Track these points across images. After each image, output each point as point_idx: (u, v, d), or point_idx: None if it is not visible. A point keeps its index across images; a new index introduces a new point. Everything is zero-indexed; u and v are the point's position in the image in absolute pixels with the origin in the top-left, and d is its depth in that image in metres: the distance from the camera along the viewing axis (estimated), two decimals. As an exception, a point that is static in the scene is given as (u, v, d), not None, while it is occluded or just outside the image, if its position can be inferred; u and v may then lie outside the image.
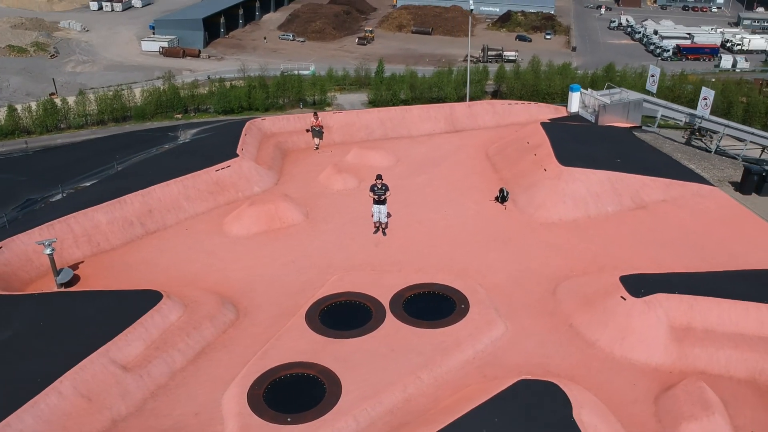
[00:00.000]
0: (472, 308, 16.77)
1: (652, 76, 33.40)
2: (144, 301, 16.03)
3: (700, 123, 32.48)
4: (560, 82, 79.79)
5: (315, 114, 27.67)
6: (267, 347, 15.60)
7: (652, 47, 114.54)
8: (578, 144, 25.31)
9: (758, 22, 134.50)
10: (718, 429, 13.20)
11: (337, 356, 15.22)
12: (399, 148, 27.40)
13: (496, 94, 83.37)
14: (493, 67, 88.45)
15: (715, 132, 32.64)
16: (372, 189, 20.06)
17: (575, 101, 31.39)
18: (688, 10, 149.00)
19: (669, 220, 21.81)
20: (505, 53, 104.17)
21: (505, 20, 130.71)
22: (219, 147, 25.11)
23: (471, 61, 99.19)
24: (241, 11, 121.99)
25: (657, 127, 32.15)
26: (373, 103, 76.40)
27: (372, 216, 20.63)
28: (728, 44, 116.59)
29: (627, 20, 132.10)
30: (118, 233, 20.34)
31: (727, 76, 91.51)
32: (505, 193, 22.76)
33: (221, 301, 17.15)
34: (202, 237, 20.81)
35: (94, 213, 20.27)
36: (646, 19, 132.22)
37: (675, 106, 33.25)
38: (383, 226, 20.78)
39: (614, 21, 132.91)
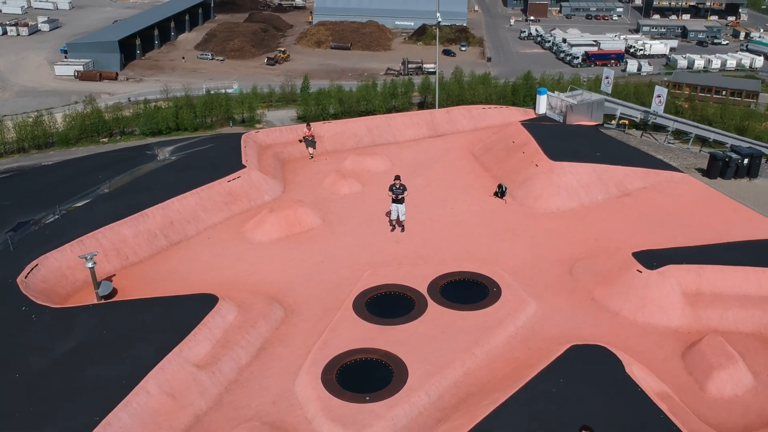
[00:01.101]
0: (504, 291, 18.22)
1: (606, 78, 36.11)
2: (201, 304, 16.69)
3: (654, 119, 35.46)
4: (483, 90, 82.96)
5: (308, 125, 28.69)
6: (325, 338, 16.54)
7: (562, 55, 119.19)
8: (560, 141, 27.36)
9: (656, 28, 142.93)
10: (742, 375, 15.12)
11: (394, 341, 16.33)
12: (389, 153, 28.70)
13: (422, 105, 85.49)
14: (416, 79, 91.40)
15: (666, 127, 35.82)
16: (391, 189, 21.30)
17: (543, 103, 33.57)
18: (591, 18, 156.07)
19: (653, 204, 23.99)
20: (425, 66, 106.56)
21: (420, 34, 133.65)
22: (221, 159, 25.75)
23: (392, 74, 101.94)
24: (156, 32, 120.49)
25: (618, 125, 34.79)
26: (303, 118, 77.36)
27: (390, 214, 21.83)
28: (632, 49, 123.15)
29: (536, 30, 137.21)
30: (144, 246, 20.75)
31: (638, 79, 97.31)
32: (503, 188, 24.43)
33: (269, 301, 17.96)
34: (226, 245, 21.46)
35: (119, 227, 20.63)
36: (554, 29, 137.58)
37: (632, 105, 36.06)
38: (401, 224, 22.00)
39: (524, 31, 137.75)
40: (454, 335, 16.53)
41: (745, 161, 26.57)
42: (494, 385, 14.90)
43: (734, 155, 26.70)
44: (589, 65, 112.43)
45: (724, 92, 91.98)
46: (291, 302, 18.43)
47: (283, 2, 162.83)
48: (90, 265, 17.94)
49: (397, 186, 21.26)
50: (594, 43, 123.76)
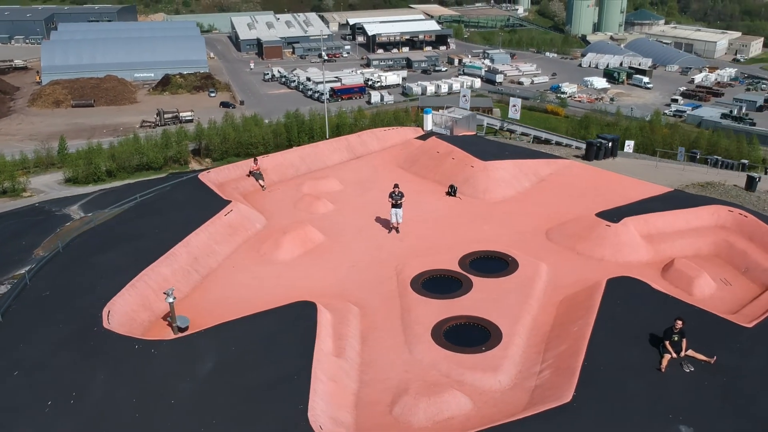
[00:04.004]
0: (520, 260, 22.58)
1: (514, 106, 42.52)
2: (304, 310, 18.67)
3: (508, 125, 42.79)
4: (258, 131, 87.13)
5: (255, 159, 30.52)
6: (409, 315, 19.46)
7: (310, 92, 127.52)
8: (474, 146, 32.65)
9: (384, 62, 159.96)
10: (709, 281, 21.12)
11: (466, 308, 19.80)
12: (330, 176, 31.60)
13: (198, 152, 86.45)
14: (173, 128, 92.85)
15: (513, 131, 43.47)
16: (391, 195, 24.62)
17: (429, 121, 38.83)
18: (323, 57, 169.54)
19: (565, 184, 30.13)
20: (181, 114, 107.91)
21: (165, 84, 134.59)
22: (197, 198, 26.76)
23: (148, 126, 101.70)
24: None
25: (485, 133, 41.42)
26: (75, 180, 75.24)
27: (390, 218, 25.10)
28: (370, 82, 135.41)
29: (278, 71, 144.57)
30: (183, 281, 21.55)
31: (385, 109, 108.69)
32: (454, 188, 28.89)
33: (342, 301, 20.29)
34: (255, 268, 22.99)
35: (158, 267, 21.23)
36: (295, 69, 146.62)
37: (493, 117, 43.01)
38: (398, 226, 25.30)
39: (267, 73, 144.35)
40: (504, 299, 20.39)
41: (610, 144, 34.15)
42: (565, 319, 19.07)
43: (603, 141, 34.15)
44: (336, 100, 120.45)
45: None
46: (352, 300, 20.86)
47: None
48: (170, 300, 18.76)
49: (396, 193, 24.64)
50: (336, 78, 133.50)
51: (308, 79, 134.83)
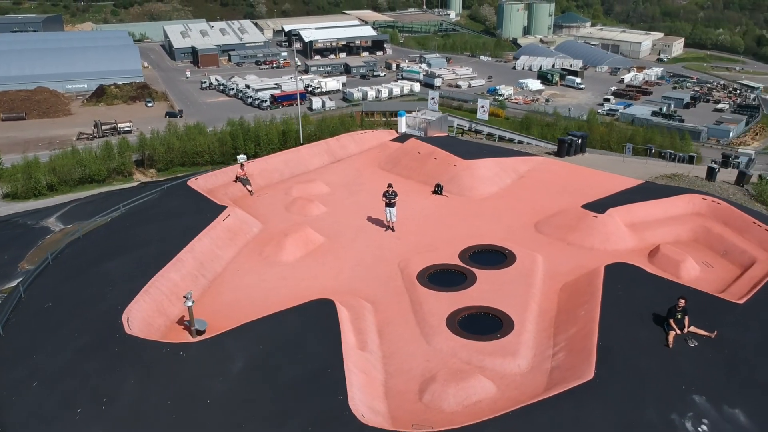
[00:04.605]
0: (517, 252, 23.63)
1: (482, 107, 43.62)
2: (323, 307, 19.23)
3: (476, 126, 44.12)
4: (203, 140, 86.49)
5: (241, 165, 30.75)
6: (422, 307, 20.21)
7: (250, 100, 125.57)
8: (454, 147, 33.70)
9: (323, 68, 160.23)
10: (694, 263, 22.60)
11: (474, 299, 20.70)
12: (316, 179, 32.08)
13: (141, 163, 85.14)
14: (114, 140, 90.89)
15: (480, 131, 44.87)
16: (385, 195, 25.33)
17: (403, 123, 39.71)
18: (261, 64, 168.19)
19: (543, 180, 31.47)
20: (119, 125, 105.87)
21: (100, 95, 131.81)
22: (191, 206, 26.87)
23: (85, 138, 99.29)
24: None
25: (456, 134, 42.60)
26: (14, 195, 73.66)
27: (385, 217, 25.80)
28: (310, 88, 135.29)
29: (216, 79, 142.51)
30: (192, 286, 21.62)
31: (330, 115, 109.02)
32: (441, 186, 29.81)
33: (354, 298, 20.88)
34: (260, 270, 23.31)
35: (168, 273, 21.36)
36: (233, 77, 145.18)
37: (462, 118, 44.28)
38: (392, 224, 26.03)
39: (205, 82, 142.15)
40: (511, 286, 21.43)
41: (579, 141, 35.75)
42: (569, 304, 20.17)
43: (573, 138, 35.72)
44: (277, 107, 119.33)
45: None
46: (362, 297, 21.44)
47: None
48: (189, 303, 18.99)
49: (390, 192, 25.37)
50: (276, 86, 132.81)
51: (247, 86, 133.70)
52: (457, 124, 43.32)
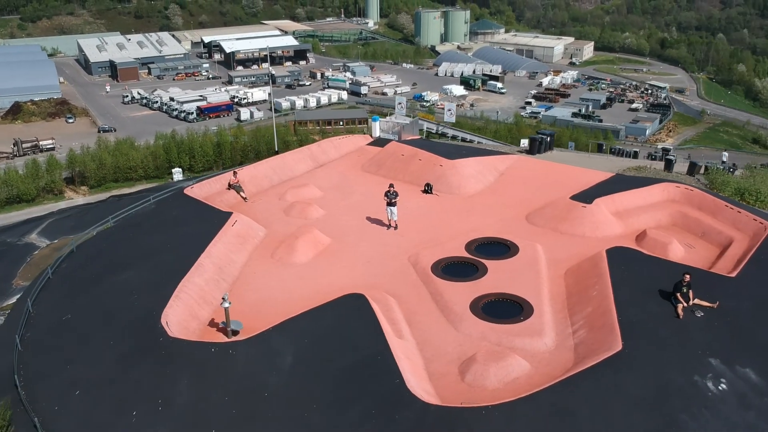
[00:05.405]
0: (518, 243, 25.16)
1: (449, 110, 44.90)
2: (356, 301, 20.14)
3: (443, 129, 45.79)
4: (135, 154, 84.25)
5: (234, 173, 31.20)
6: (442, 297, 21.41)
7: (175, 113, 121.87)
8: (435, 148, 35.14)
9: (247, 78, 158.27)
10: (679, 245, 24.70)
11: (489, 287, 22.06)
12: (306, 184, 32.81)
13: (72, 181, 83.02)
14: (41, 157, 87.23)
15: (446, 134, 46.57)
16: (386, 194, 26.43)
17: (377, 128, 40.90)
18: (181, 74, 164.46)
19: (522, 176, 33.26)
20: (41, 143, 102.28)
21: (16, 112, 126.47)
22: (195, 213, 27.21)
23: (5, 157, 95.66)
24: None
25: (426, 136, 44.08)
26: None
27: (387, 215, 26.89)
28: (236, 99, 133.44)
29: (139, 93, 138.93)
30: (215, 290, 22.17)
31: (264, 125, 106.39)
32: (430, 186, 31.13)
33: (380, 293, 21.86)
34: (277, 271, 23.96)
35: (193, 278, 21.79)
36: (156, 90, 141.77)
37: (431, 121, 45.83)
38: (394, 223, 27.13)
39: (126, 96, 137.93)
40: (521, 274, 22.92)
41: (549, 139, 37.84)
42: (578, 287, 21.78)
43: (543, 136, 37.76)
44: (203, 119, 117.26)
45: (342, 122, 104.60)
46: (382, 291, 22.48)
47: None
48: (227, 305, 19.56)
49: (392, 192, 26.48)
50: (201, 97, 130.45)
51: (172, 99, 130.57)
52: (426, 128, 44.80)
